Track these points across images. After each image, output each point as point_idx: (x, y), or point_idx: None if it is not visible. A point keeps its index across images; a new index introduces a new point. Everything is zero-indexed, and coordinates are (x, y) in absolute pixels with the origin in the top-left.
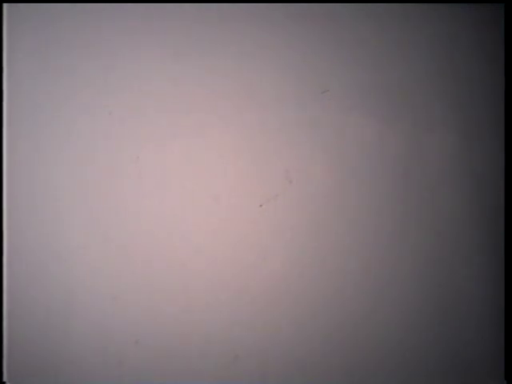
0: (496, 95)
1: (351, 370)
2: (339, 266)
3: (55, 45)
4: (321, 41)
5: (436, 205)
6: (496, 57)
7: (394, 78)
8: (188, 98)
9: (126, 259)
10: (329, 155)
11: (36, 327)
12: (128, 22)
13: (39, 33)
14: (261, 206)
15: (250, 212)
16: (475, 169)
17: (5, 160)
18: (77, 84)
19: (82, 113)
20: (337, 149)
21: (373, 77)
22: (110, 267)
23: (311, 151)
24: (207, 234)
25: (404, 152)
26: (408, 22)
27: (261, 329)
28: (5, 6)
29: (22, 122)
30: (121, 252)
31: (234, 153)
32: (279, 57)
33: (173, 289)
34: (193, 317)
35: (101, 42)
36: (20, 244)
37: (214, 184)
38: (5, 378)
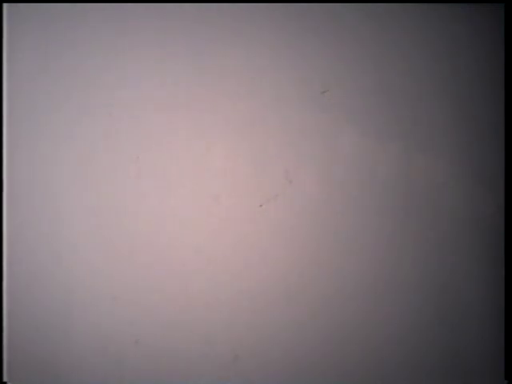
0: (496, 95)
1: (351, 369)
2: (339, 266)
3: (55, 45)
4: (321, 41)
5: (436, 205)
6: (496, 57)
7: (394, 78)
8: (188, 97)
9: (126, 259)
10: (329, 155)
11: (36, 327)
12: (128, 21)
13: (39, 33)
14: (261, 206)
15: (249, 212)
16: (475, 169)
17: (5, 160)
18: (77, 84)
19: (82, 113)
20: (337, 149)
21: (373, 77)
22: (109, 267)
23: (311, 151)
24: (207, 234)
25: (404, 152)
26: (408, 21)
27: (261, 329)
28: (5, 6)
29: (22, 122)
30: (121, 252)
31: (233, 153)
32: (279, 57)
33: (173, 289)
34: (193, 317)
35: (101, 42)
36: (20, 244)
37: (214, 184)
38: (5, 378)
